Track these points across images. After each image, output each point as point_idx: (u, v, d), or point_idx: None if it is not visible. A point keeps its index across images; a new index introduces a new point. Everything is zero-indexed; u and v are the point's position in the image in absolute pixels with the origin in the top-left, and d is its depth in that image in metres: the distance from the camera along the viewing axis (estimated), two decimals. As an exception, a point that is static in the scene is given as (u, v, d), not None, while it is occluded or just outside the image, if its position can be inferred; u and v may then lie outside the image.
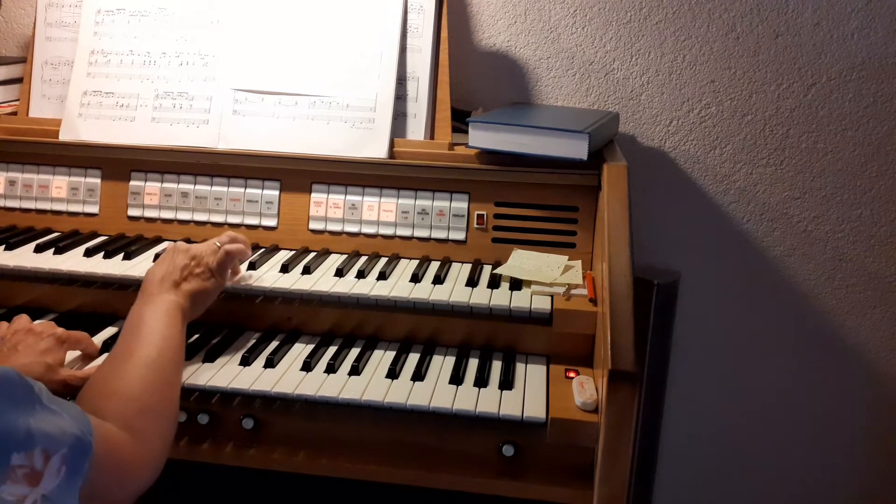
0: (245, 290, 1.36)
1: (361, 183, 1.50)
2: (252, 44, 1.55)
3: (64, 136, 1.55)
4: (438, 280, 1.37)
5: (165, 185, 1.55)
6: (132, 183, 1.56)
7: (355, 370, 1.26)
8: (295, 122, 1.51)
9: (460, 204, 1.48)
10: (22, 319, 1.23)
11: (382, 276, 1.38)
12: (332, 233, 1.52)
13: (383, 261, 1.46)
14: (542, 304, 1.29)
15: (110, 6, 1.59)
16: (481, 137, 1.43)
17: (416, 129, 1.53)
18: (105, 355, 1.28)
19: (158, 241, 1.53)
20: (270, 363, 1.27)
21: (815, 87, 1.72)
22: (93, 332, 1.35)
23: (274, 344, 1.34)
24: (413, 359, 1.31)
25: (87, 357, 1.27)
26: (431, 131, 1.54)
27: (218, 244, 1.29)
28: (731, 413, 1.91)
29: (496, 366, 1.30)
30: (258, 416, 1.25)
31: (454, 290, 1.34)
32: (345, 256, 1.48)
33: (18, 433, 0.74)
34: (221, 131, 1.52)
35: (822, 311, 1.83)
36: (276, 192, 1.52)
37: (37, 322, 1.25)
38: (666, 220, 1.81)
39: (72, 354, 1.26)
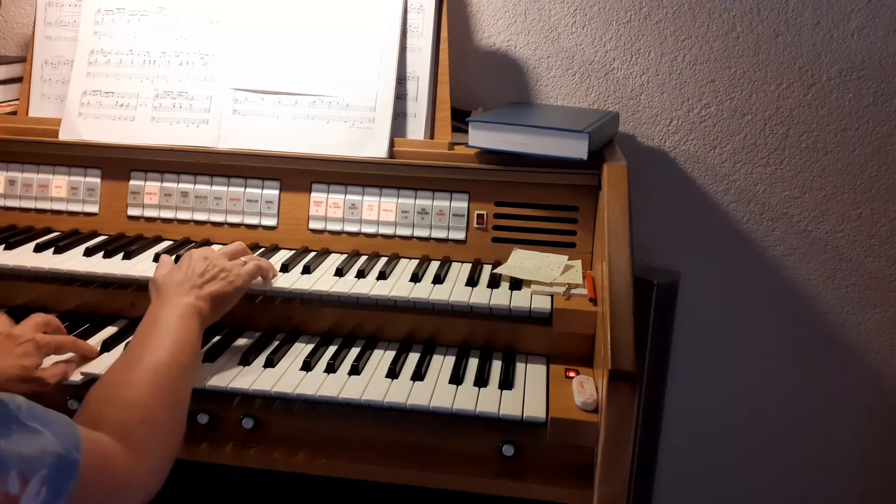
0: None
1: (361, 182, 1.50)
2: (252, 43, 1.54)
3: (64, 136, 1.55)
4: (438, 280, 1.37)
5: (165, 184, 1.54)
6: (132, 182, 1.55)
7: (355, 370, 1.26)
8: (295, 121, 1.51)
9: (460, 203, 1.48)
10: (1, 319, 1.22)
11: (382, 275, 1.37)
12: (331, 232, 1.52)
13: (383, 260, 1.46)
14: (542, 303, 1.29)
15: (110, 6, 1.58)
16: (481, 137, 1.43)
17: (416, 128, 1.53)
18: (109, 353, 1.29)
19: (158, 240, 1.53)
20: (270, 363, 1.27)
21: (815, 87, 1.72)
22: (93, 332, 1.36)
23: (274, 344, 1.34)
24: (413, 358, 1.31)
25: (84, 359, 1.26)
26: (431, 131, 1.54)
27: (244, 260, 1.30)
28: (731, 413, 1.91)
29: (496, 365, 1.30)
30: (258, 416, 1.25)
31: (454, 289, 1.34)
32: (345, 256, 1.48)
33: None
34: (221, 131, 1.52)
35: (822, 311, 1.83)
36: (276, 192, 1.52)
37: (18, 325, 1.22)
38: (666, 220, 1.81)
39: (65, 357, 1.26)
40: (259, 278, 1.31)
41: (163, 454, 0.96)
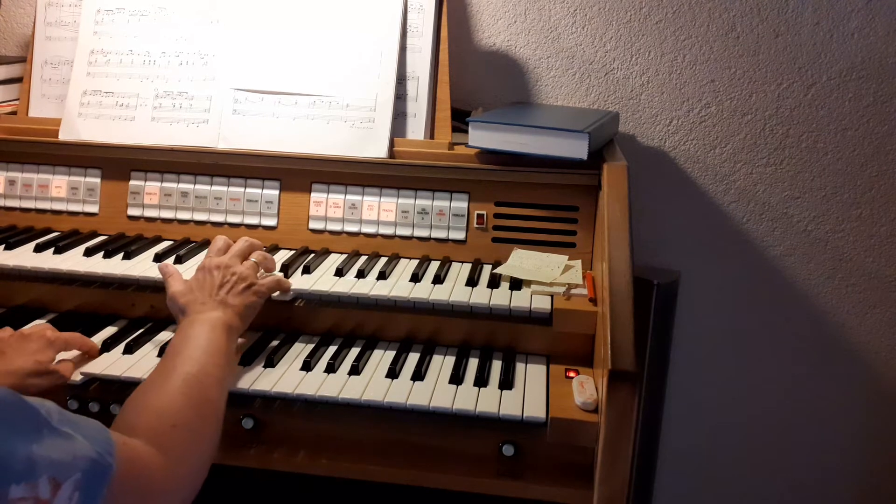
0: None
1: (361, 183, 1.50)
2: (252, 43, 1.54)
3: (64, 136, 1.55)
4: (438, 280, 1.37)
5: (165, 184, 1.55)
6: (132, 182, 1.55)
7: (355, 370, 1.26)
8: (295, 121, 1.51)
9: (460, 203, 1.48)
10: (6, 329, 1.23)
11: (382, 275, 1.37)
12: (331, 232, 1.52)
13: (383, 260, 1.46)
14: (542, 303, 1.29)
15: (110, 6, 1.58)
16: (481, 137, 1.43)
17: (416, 128, 1.53)
18: (115, 354, 1.29)
19: (158, 240, 1.53)
20: (270, 363, 1.27)
21: (815, 87, 1.72)
22: (92, 332, 1.36)
23: (274, 344, 1.34)
24: (413, 358, 1.31)
25: (87, 357, 1.27)
26: (431, 131, 1.54)
27: (253, 260, 1.30)
28: (731, 413, 1.91)
29: (496, 365, 1.30)
30: (258, 416, 1.25)
31: (454, 289, 1.34)
32: (345, 256, 1.48)
33: (17, 463, 0.72)
34: (221, 131, 1.52)
35: (822, 311, 1.83)
36: (276, 192, 1.52)
37: (27, 326, 1.24)
38: (666, 220, 1.81)
39: (71, 354, 1.26)
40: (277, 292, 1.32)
41: (196, 459, 0.97)
